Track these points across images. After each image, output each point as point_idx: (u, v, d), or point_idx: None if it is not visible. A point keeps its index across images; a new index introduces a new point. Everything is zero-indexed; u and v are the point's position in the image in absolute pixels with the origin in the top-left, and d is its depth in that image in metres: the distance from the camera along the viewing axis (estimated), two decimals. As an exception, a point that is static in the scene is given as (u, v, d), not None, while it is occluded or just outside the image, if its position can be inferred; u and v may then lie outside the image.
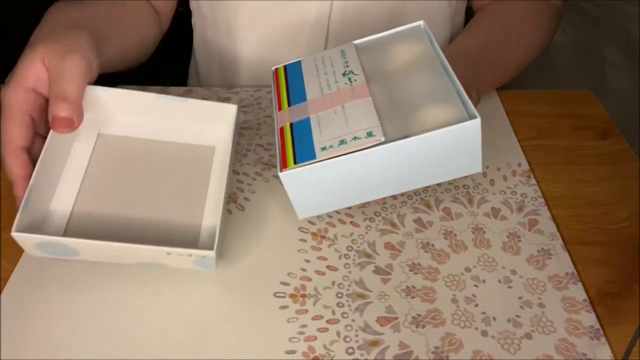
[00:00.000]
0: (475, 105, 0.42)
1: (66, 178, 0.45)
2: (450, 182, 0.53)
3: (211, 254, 0.40)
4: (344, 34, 0.66)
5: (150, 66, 0.62)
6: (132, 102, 0.47)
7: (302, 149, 0.38)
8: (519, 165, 0.55)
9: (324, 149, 0.37)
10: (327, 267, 0.45)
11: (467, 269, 0.45)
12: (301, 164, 0.38)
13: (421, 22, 0.46)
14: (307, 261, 0.46)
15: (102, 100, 0.47)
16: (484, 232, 0.48)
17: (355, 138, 0.37)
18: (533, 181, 0.53)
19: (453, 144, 0.37)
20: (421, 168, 0.39)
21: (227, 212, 0.45)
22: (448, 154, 0.38)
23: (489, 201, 0.51)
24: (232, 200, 0.50)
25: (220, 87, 0.64)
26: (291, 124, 0.41)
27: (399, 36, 0.46)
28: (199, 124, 0.48)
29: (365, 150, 0.37)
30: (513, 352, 0.40)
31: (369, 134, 0.37)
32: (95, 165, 0.46)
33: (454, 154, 0.38)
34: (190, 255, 0.40)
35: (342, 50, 0.45)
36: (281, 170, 0.38)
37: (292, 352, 0.40)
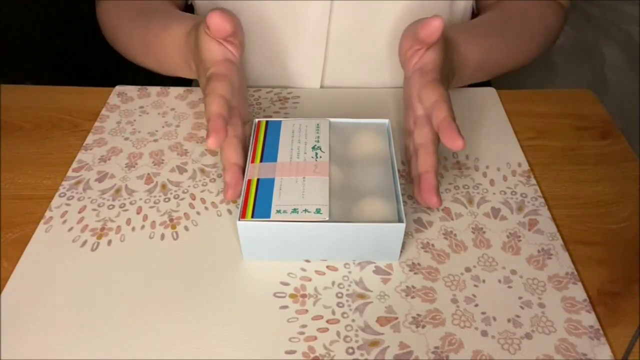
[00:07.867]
0: (448, 88, 0.49)
1: None
2: (450, 182, 0.53)
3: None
4: (344, 37, 0.66)
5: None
6: None
7: (261, 206, 0.44)
8: (519, 165, 0.55)
9: (278, 211, 0.43)
10: (327, 267, 0.45)
11: (467, 269, 0.45)
12: (256, 219, 0.43)
13: (387, 121, 0.52)
14: (307, 261, 0.46)
15: None
16: (484, 232, 0.48)
17: (305, 210, 0.43)
18: (533, 181, 0.53)
19: (380, 236, 0.44)
20: (352, 246, 0.45)
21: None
22: (375, 242, 0.44)
23: (489, 201, 0.51)
24: (232, 201, 0.50)
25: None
26: (258, 179, 0.46)
27: (366, 127, 0.52)
28: None
29: (311, 223, 0.43)
30: (513, 352, 0.40)
31: (318, 211, 0.43)
32: None
33: (379, 243, 0.45)
34: None
35: (317, 124, 0.52)
36: (239, 219, 0.43)
37: (292, 352, 0.40)
